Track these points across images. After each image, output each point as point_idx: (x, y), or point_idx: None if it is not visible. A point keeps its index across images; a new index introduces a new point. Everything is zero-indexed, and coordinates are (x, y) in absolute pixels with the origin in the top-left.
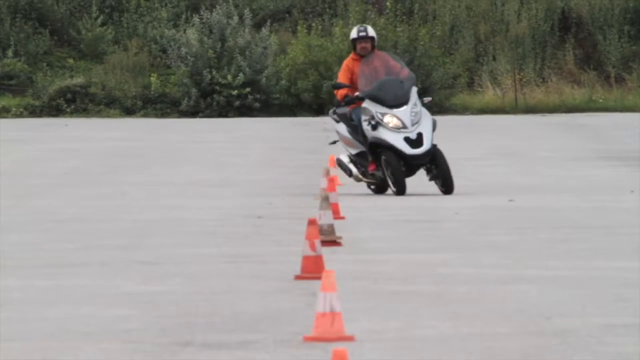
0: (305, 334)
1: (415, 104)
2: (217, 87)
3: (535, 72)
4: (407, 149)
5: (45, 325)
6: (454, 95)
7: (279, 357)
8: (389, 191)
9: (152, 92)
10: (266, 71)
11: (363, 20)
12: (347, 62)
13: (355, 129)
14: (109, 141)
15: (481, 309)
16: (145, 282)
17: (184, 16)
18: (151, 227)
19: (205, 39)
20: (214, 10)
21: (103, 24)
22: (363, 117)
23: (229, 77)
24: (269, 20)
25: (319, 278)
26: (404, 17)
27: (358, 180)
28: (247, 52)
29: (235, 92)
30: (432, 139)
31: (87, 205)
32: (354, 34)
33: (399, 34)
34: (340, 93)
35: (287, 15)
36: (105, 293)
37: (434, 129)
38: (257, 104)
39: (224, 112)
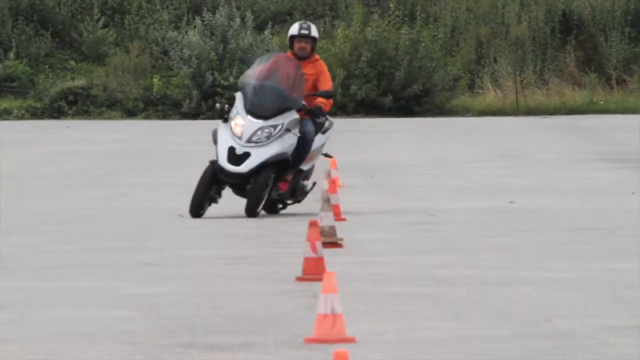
0: (306, 336)
1: (276, 126)
2: (219, 89)
3: (536, 74)
4: (223, 160)
5: (46, 327)
6: (455, 97)
7: (280, 359)
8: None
9: (153, 94)
10: None
11: (365, 23)
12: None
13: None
14: (111, 143)
15: (482, 310)
16: (147, 283)
17: (185, 18)
18: (152, 229)
19: (207, 40)
20: (216, 12)
21: (105, 26)
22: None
23: (231, 79)
24: (270, 22)
25: (320, 280)
26: (406, 18)
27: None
28: (249, 54)
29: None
30: (255, 168)
31: (89, 207)
32: (294, 30)
33: (401, 36)
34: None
35: (288, 17)
36: (106, 295)
37: (271, 160)
38: None
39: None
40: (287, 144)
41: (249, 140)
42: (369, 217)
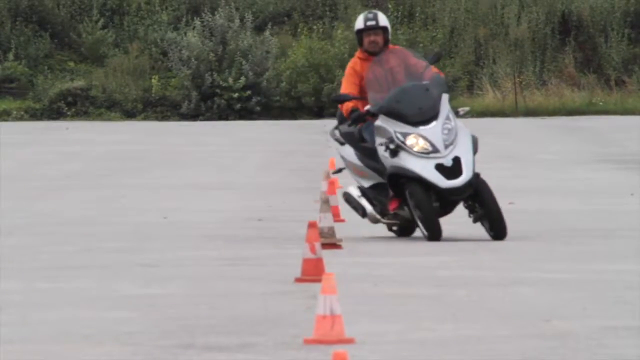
0: (305, 337)
1: (448, 118)
2: (218, 90)
3: (536, 75)
4: (441, 181)
5: (45, 328)
6: (455, 98)
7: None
8: (418, 233)
9: (152, 95)
10: (267, 74)
11: None
12: (353, 63)
13: (368, 153)
14: (110, 144)
15: (481, 311)
16: (146, 284)
17: (184, 19)
18: (152, 230)
19: (206, 41)
20: (215, 13)
21: (104, 27)
22: (378, 141)
23: (230, 80)
24: (269, 23)
25: (319, 281)
26: (405, 19)
27: (375, 221)
28: (249, 55)
29: (236, 95)
30: (473, 166)
31: (88, 208)
32: (359, 23)
33: (399, 37)
34: (345, 107)
35: (287, 18)
36: (105, 296)
37: (475, 150)
38: (257, 107)
39: (224, 115)
40: (465, 128)
41: (447, 145)
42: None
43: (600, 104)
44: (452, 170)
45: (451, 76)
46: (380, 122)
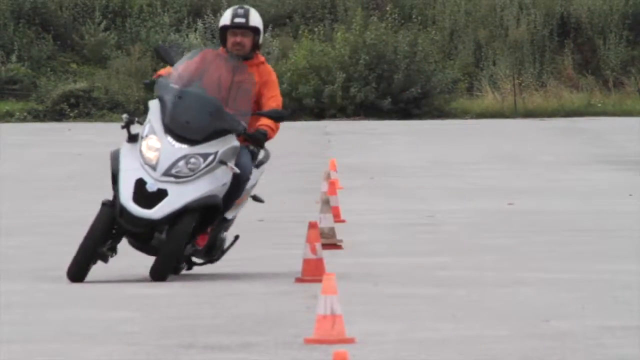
0: (306, 336)
1: (206, 155)
2: None
3: (535, 76)
4: (126, 198)
5: (48, 328)
6: (454, 99)
7: (280, 359)
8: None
9: (154, 97)
10: None
11: (365, 26)
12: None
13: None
14: (112, 145)
15: (480, 311)
16: (148, 285)
17: (185, 21)
18: None
19: (208, 43)
20: (217, 15)
21: (106, 29)
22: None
23: None
24: (270, 25)
25: (319, 281)
26: (404, 21)
27: None
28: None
29: None
30: (175, 211)
31: (90, 208)
32: (225, 18)
33: (399, 39)
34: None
35: (288, 20)
36: (107, 296)
37: (194, 205)
38: None
39: None
40: (219, 182)
41: (167, 173)
42: (368, 219)
43: (599, 105)
44: (150, 197)
45: (451, 78)
46: (152, 103)
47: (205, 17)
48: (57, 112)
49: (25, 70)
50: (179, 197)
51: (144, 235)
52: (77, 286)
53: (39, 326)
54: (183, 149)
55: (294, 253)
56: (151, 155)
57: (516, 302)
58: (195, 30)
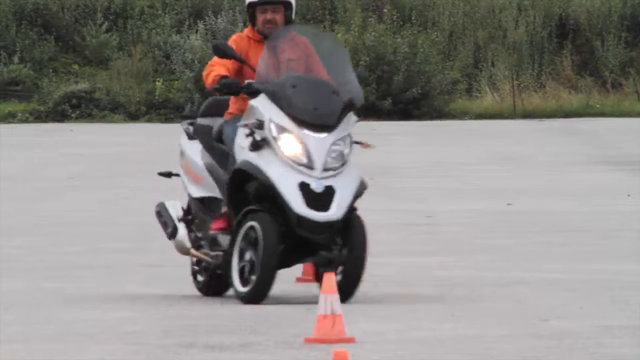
0: (306, 336)
1: (345, 138)
2: None
3: (533, 77)
4: (299, 205)
5: (49, 328)
6: (453, 100)
7: (281, 359)
8: (231, 292)
9: (156, 98)
10: None
11: (364, 27)
12: (238, 38)
13: (218, 156)
14: (113, 146)
15: (479, 311)
16: (149, 284)
17: (187, 22)
18: (155, 230)
19: (209, 44)
20: (218, 16)
21: (107, 31)
22: (242, 123)
23: None
24: None
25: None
26: (403, 22)
27: (182, 250)
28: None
29: None
30: (348, 209)
31: (92, 209)
32: None
33: (398, 40)
34: (211, 72)
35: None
36: (108, 295)
37: (358, 194)
38: None
39: None
40: (357, 169)
41: (326, 168)
42: (367, 219)
43: (597, 106)
44: (321, 198)
45: (450, 79)
46: (258, 102)
47: (206, 18)
48: (59, 113)
49: (27, 71)
50: (343, 189)
51: (322, 244)
52: (77, 286)
53: (41, 326)
54: (326, 137)
55: None
56: (301, 155)
57: (515, 302)
58: (196, 32)
